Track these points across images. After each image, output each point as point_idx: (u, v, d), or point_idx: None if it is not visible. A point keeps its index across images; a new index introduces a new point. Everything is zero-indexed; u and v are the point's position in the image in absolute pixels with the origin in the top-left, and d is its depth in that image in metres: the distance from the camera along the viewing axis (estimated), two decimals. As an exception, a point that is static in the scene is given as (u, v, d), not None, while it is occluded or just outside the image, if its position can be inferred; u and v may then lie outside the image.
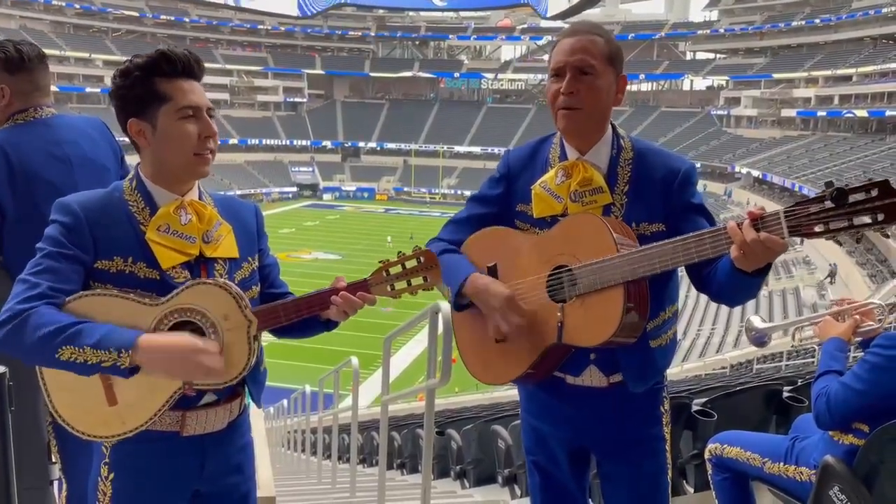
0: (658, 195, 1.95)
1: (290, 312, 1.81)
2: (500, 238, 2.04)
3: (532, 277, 1.95)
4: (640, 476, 2.05)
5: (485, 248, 2.05)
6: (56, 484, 2.65)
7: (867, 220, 1.55)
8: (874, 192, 1.54)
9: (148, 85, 1.72)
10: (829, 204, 1.57)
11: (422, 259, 1.83)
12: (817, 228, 1.59)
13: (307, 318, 1.84)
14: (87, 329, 1.59)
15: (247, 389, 1.89)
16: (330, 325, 1.90)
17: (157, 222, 1.74)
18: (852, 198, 1.55)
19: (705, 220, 1.96)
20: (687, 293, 24.33)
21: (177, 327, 1.70)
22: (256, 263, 1.92)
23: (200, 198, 1.84)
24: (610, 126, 2.01)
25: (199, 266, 1.78)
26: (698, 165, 53.48)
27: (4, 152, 2.36)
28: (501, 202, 2.09)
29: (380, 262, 1.85)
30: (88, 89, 62.51)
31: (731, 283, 1.77)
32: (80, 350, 1.57)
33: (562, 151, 2.02)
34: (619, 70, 1.96)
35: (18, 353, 1.61)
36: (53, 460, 2.54)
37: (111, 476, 1.79)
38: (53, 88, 2.73)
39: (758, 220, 1.64)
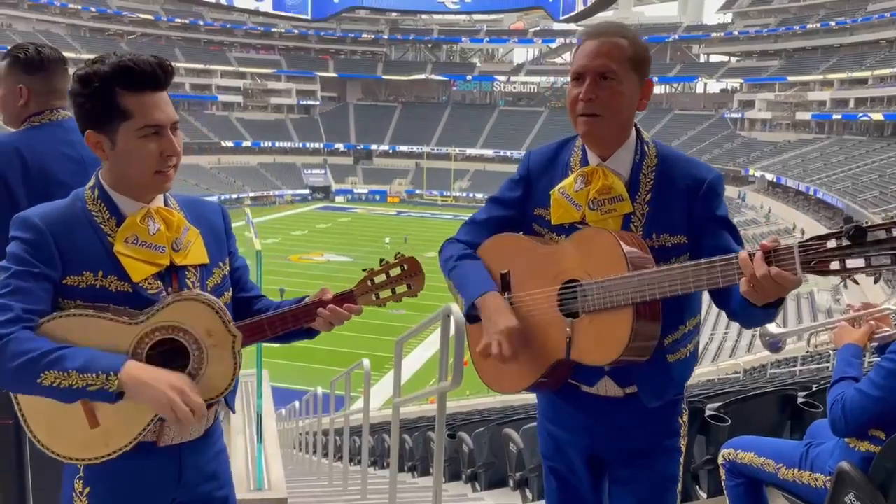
0: (681, 205, 1.86)
1: (276, 327, 1.79)
2: (516, 246, 1.99)
3: (544, 289, 1.90)
4: (649, 484, 2.00)
5: (500, 255, 2.00)
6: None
7: (886, 261, 1.45)
8: (895, 232, 1.45)
9: (108, 99, 1.62)
10: (846, 241, 1.48)
11: (405, 266, 1.81)
12: (833, 266, 1.50)
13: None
14: (71, 353, 1.53)
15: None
16: (311, 333, 1.87)
17: (124, 233, 1.67)
18: (871, 236, 1.46)
19: (730, 235, 1.87)
20: (700, 297, 24.18)
21: (158, 345, 1.66)
22: (228, 268, 1.86)
23: (166, 203, 1.77)
24: (634, 130, 1.91)
25: (171, 275, 1.72)
26: (712, 168, 53.25)
27: (20, 153, 2.40)
28: (520, 205, 2.02)
29: (363, 270, 1.83)
30: (104, 92, 62.89)
31: (743, 311, 1.72)
32: (65, 374, 1.51)
33: (583, 156, 1.94)
34: (645, 74, 1.86)
35: None
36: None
37: (86, 490, 1.73)
38: (69, 91, 2.76)
39: (770, 254, 1.56)
